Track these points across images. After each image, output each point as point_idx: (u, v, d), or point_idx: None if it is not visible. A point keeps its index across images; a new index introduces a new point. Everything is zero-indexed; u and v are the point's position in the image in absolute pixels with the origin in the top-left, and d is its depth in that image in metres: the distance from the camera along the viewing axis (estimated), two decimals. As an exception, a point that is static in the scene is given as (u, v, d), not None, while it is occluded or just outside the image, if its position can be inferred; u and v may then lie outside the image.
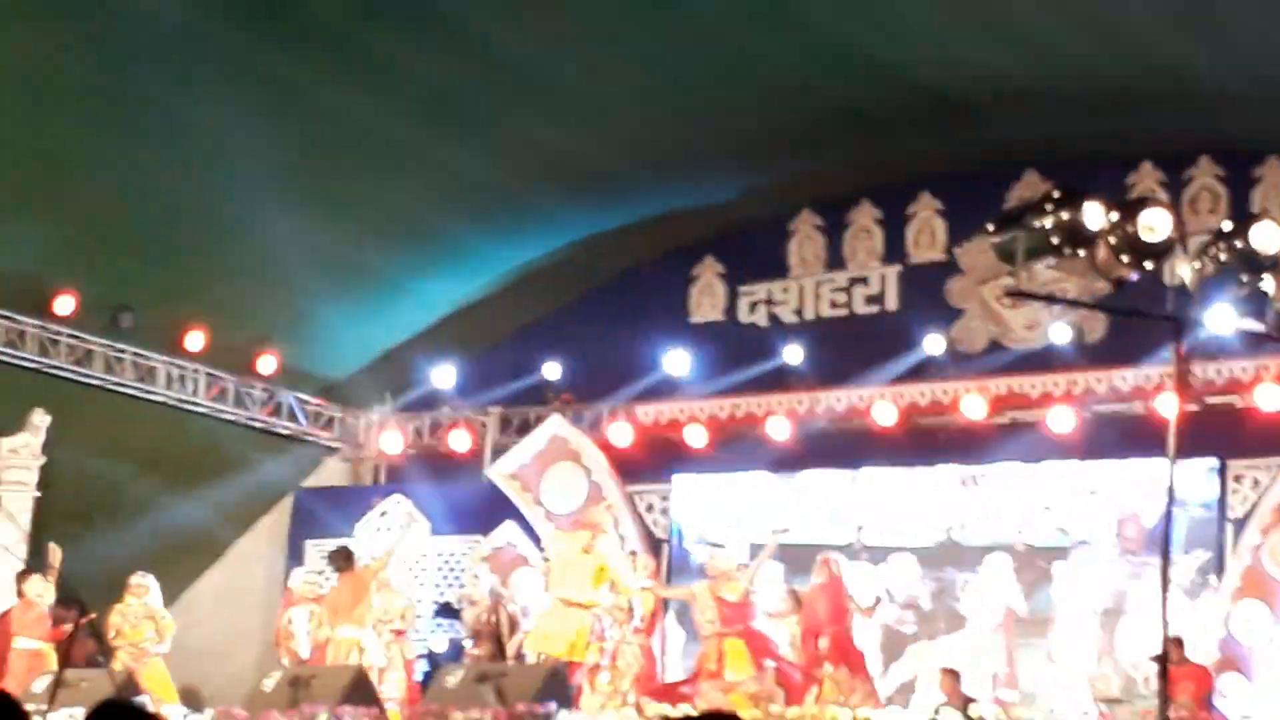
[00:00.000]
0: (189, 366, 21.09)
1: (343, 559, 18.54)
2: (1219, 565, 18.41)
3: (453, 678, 16.67)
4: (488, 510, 21.43)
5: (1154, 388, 18.52)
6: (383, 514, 22.45)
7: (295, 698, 16.49)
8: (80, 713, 14.08)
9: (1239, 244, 8.67)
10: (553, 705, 15.61)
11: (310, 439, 22.97)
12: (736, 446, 20.94)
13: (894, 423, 20.06)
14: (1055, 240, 8.41)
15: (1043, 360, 19.67)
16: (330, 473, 23.56)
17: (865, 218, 21.24)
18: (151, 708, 15.01)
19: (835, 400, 20.54)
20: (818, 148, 19.40)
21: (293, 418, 22.50)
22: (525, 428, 22.10)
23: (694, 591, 17.69)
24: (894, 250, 21.03)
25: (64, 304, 19.55)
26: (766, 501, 20.69)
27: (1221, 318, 9.52)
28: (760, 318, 21.70)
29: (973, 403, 19.69)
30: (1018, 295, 8.94)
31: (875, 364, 20.20)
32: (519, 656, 18.39)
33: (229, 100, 16.98)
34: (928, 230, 20.87)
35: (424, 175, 19.15)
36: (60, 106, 16.98)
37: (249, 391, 21.85)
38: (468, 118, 18.26)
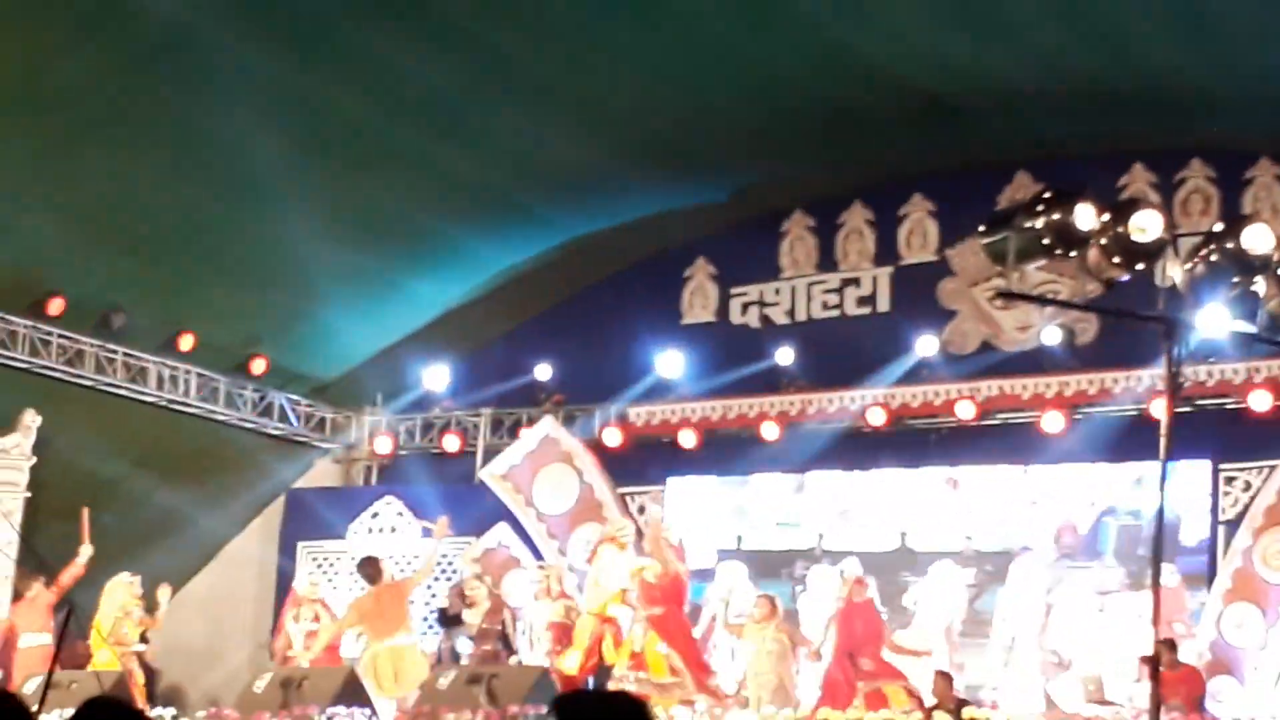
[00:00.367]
0: (180, 367, 21.06)
1: (373, 569, 18.47)
2: (1210, 568, 18.42)
3: (444, 679, 16.67)
4: (480, 512, 21.40)
5: (1145, 390, 18.52)
6: (374, 515, 22.44)
7: (287, 699, 16.51)
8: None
9: (1230, 245, 8.65)
10: (544, 707, 15.62)
11: (302, 440, 22.95)
12: (728, 448, 20.94)
13: (884, 424, 20.05)
14: (1046, 241, 8.38)
15: (1034, 362, 19.67)
16: (322, 474, 23.54)
17: (857, 219, 21.24)
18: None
19: (826, 402, 20.54)
20: (809, 149, 19.40)
21: (284, 418, 22.49)
22: (517, 429, 22.09)
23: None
24: (886, 251, 21.03)
25: (55, 304, 19.52)
26: (747, 505, 20.80)
27: (1213, 319, 9.50)
28: (752, 319, 21.71)
29: (963, 405, 19.69)
30: (1009, 297, 8.94)
31: (867, 365, 20.19)
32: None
33: (222, 100, 16.97)
34: (920, 231, 20.88)
35: (416, 176, 19.14)
36: (54, 106, 16.95)
37: (240, 392, 21.83)
38: (460, 119, 18.25)
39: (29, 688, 15.88)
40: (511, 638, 18.46)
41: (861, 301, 21.13)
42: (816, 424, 20.60)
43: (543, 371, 21.75)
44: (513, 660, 18.75)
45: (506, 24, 16.68)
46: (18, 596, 18.66)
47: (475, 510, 21.50)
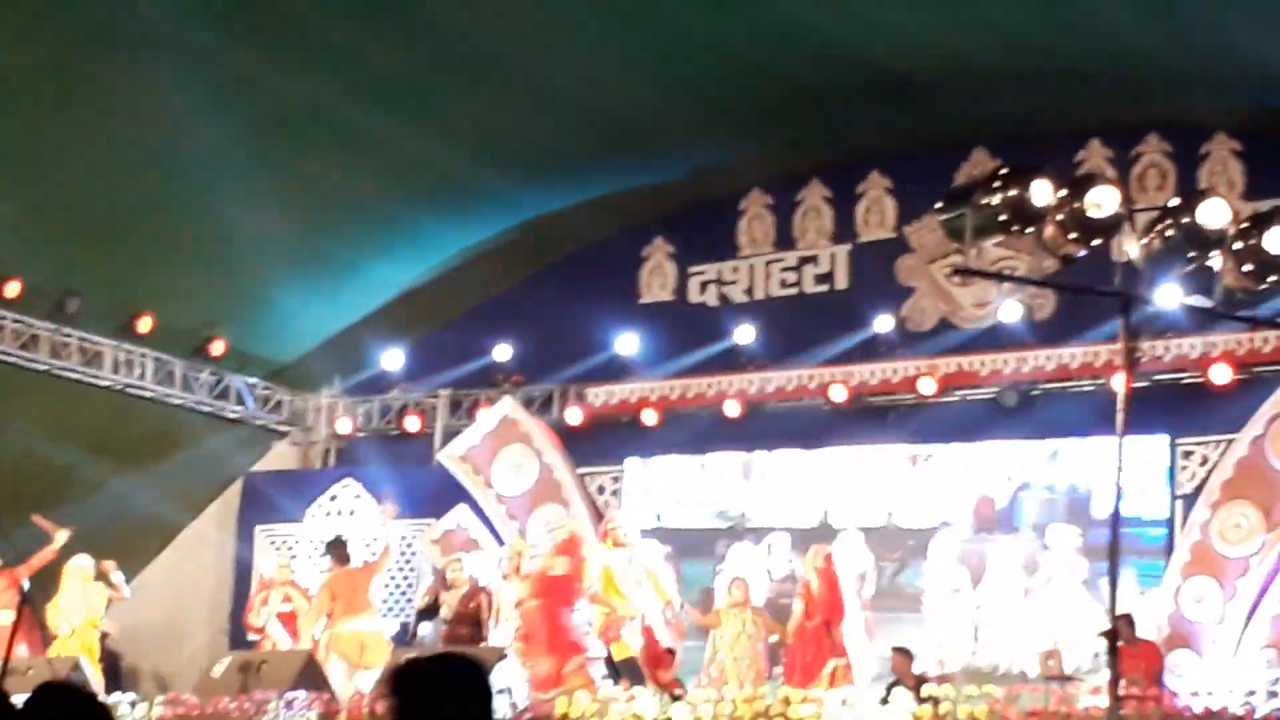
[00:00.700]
0: (136, 351, 20.96)
1: (341, 551, 18.53)
2: (1169, 542, 18.48)
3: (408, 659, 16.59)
4: (439, 493, 21.35)
5: (1103, 365, 18.55)
6: (332, 498, 22.37)
7: (245, 683, 16.45)
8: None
9: (1186, 220, 8.67)
10: (506, 687, 15.60)
11: (259, 422, 22.86)
12: (687, 427, 20.93)
13: (844, 401, 20.06)
14: (1003, 218, 8.40)
15: (992, 338, 19.70)
16: (280, 456, 23.46)
17: (815, 197, 21.22)
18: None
19: (785, 380, 20.53)
20: (767, 127, 19.37)
21: (241, 401, 22.40)
22: (475, 410, 22.03)
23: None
24: (844, 229, 21.02)
25: (11, 288, 19.41)
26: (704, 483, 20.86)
27: (1169, 294, 9.53)
28: (710, 298, 21.68)
29: (923, 382, 19.71)
30: (966, 273, 8.95)
31: (825, 343, 20.19)
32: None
33: (176, 84, 16.88)
34: (877, 209, 20.87)
35: (372, 157, 19.07)
36: (6, 92, 16.84)
37: (197, 375, 21.72)
38: (415, 99, 18.18)
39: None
40: (484, 623, 18.35)
41: (820, 279, 21.12)
42: (775, 403, 20.60)
43: (501, 352, 21.69)
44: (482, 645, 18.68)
45: (461, 4, 16.61)
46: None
47: (434, 492, 21.45)
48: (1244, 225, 8.84)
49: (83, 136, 17.67)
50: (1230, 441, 18.20)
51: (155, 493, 21.08)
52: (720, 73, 18.19)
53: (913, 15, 16.96)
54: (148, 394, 21.18)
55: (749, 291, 21.48)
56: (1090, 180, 8.80)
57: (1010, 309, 19.24)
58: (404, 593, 21.49)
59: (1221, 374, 18.22)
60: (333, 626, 17.77)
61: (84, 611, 18.28)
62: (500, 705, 15.49)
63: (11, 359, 19.78)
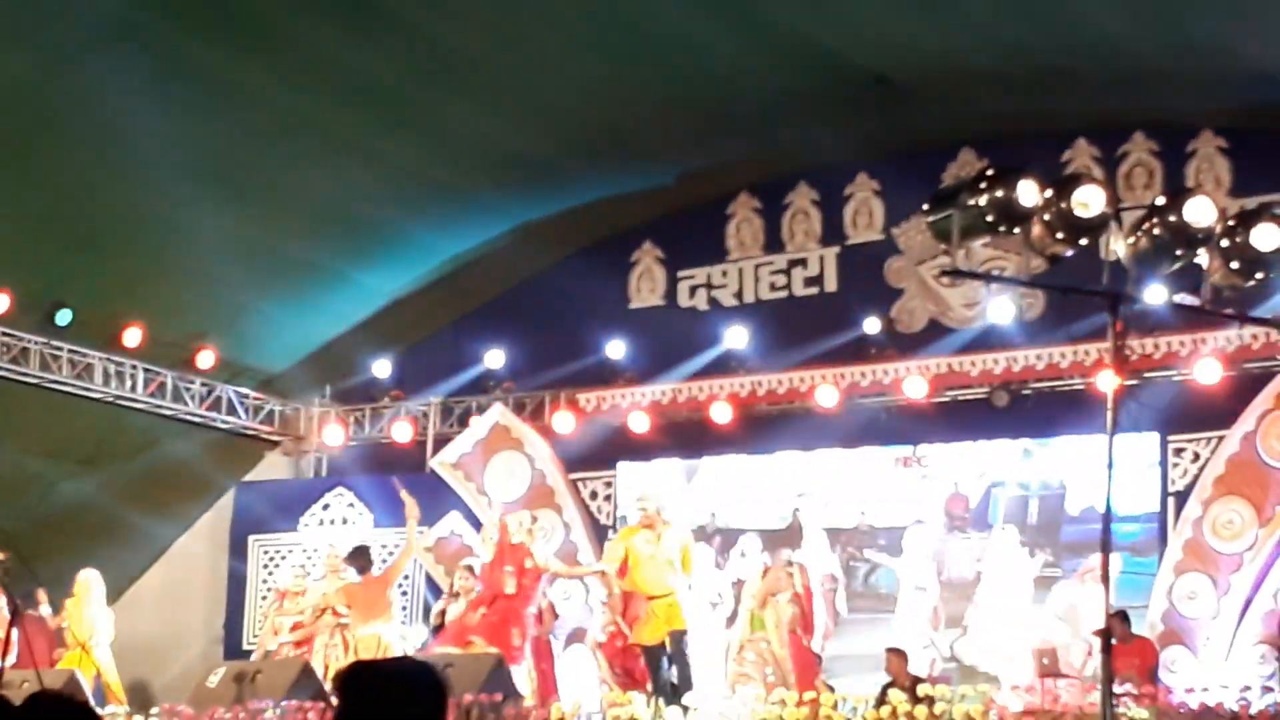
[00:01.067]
0: (126, 363, 20.93)
1: (364, 559, 18.75)
2: (1161, 538, 18.52)
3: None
4: (431, 501, 21.31)
5: (1093, 364, 18.59)
6: (325, 507, 22.37)
7: (241, 693, 16.45)
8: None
9: (1173, 218, 8.68)
10: (499, 695, 15.58)
11: (250, 433, 22.84)
12: (679, 431, 20.96)
13: (835, 404, 20.09)
14: (990, 218, 8.40)
15: (982, 339, 19.73)
16: (271, 467, 23.45)
17: (803, 200, 21.24)
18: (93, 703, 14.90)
19: (776, 383, 20.55)
20: (754, 131, 19.38)
21: (232, 411, 22.37)
22: (467, 417, 22.04)
23: None
24: (832, 231, 21.04)
25: (0, 301, 19.38)
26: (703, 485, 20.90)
27: (1157, 292, 9.54)
28: (700, 302, 21.70)
29: (913, 383, 19.74)
30: (954, 274, 8.94)
31: (816, 346, 20.21)
32: None
33: (163, 95, 16.88)
34: (865, 211, 20.89)
35: (360, 166, 19.07)
36: (-6, 103, 16.86)
37: (187, 387, 21.70)
38: (403, 108, 18.18)
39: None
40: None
41: (809, 282, 21.13)
42: (767, 405, 20.63)
43: (492, 359, 21.70)
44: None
45: (449, 12, 16.61)
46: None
47: (427, 499, 21.38)
48: (1230, 222, 8.85)
49: (70, 149, 17.65)
50: (1221, 438, 18.24)
51: (147, 504, 21.08)
52: (706, 77, 18.20)
53: (898, 18, 16.97)
54: (139, 406, 21.16)
55: (738, 295, 21.49)
56: (1076, 180, 8.81)
57: (1000, 309, 19.27)
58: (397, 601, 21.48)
59: (1211, 371, 18.24)
60: (352, 630, 17.95)
61: (93, 625, 18.42)
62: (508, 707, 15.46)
63: (1, 373, 19.76)
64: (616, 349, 21.03)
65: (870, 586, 19.99)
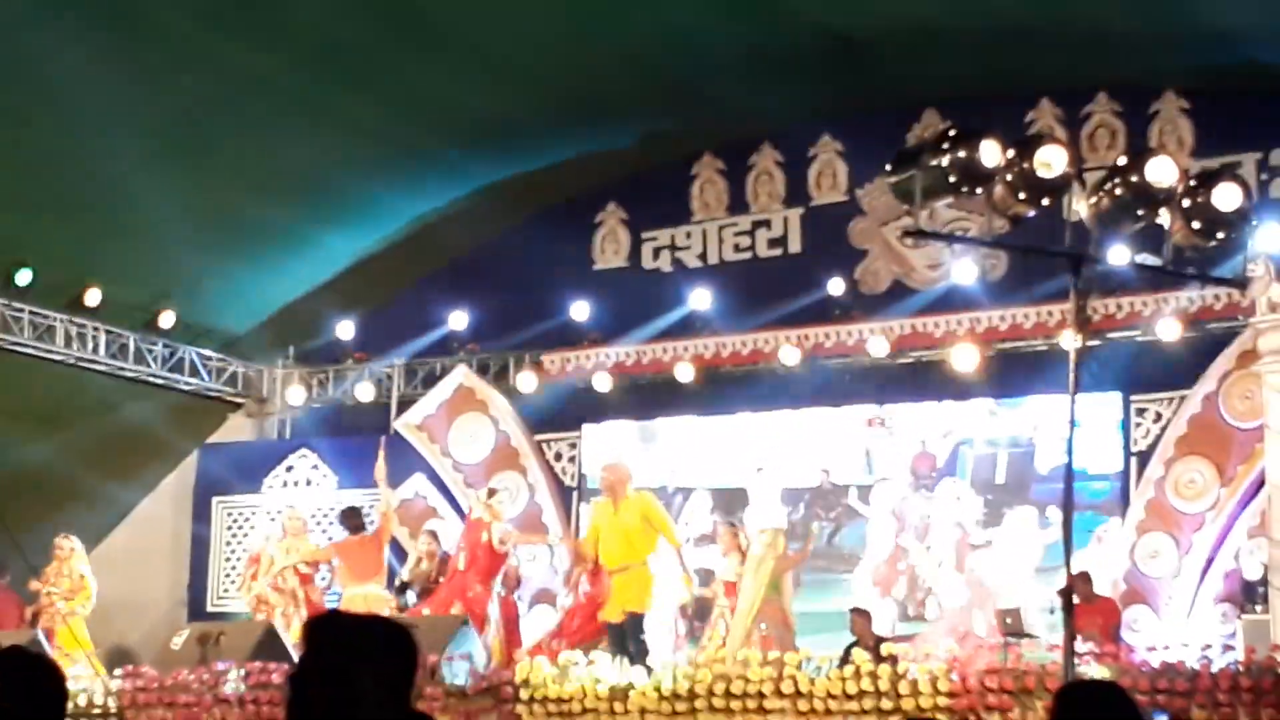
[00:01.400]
0: (88, 325, 20.84)
1: (356, 519, 19.13)
2: (1123, 498, 18.59)
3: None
4: (396, 463, 21.30)
5: (1056, 324, 18.63)
6: (289, 469, 22.34)
7: (205, 655, 16.47)
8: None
9: (1135, 179, 8.69)
10: (465, 655, 15.63)
11: (214, 395, 22.78)
12: (643, 392, 20.96)
13: (799, 364, 20.12)
14: (952, 179, 8.40)
15: (946, 299, 19.76)
16: (234, 429, 23.39)
17: (767, 161, 21.22)
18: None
19: (740, 344, 20.56)
20: (717, 92, 19.33)
21: (195, 373, 22.30)
22: (431, 379, 22.01)
23: None
24: (796, 193, 21.03)
25: (-42, 264, 19.31)
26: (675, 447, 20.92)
27: (1119, 253, 9.55)
28: (664, 263, 21.68)
29: (876, 343, 19.76)
30: (917, 235, 8.94)
31: (780, 307, 20.22)
32: None
33: (121, 55, 16.77)
34: (829, 172, 20.88)
35: (321, 127, 18.98)
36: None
37: (150, 348, 21.62)
38: (363, 68, 18.10)
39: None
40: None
41: (773, 243, 21.13)
42: (731, 366, 20.65)
43: (456, 320, 21.66)
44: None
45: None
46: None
47: (392, 462, 21.39)
48: (1192, 183, 8.87)
49: (27, 111, 17.53)
50: (1184, 398, 18.31)
51: (109, 466, 21.01)
52: (668, 38, 18.16)
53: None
54: (100, 368, 21.08)
55: (703, 256, 21.48)
56: (1038, 140, 8.82)
57: (964, 270, 19.29)
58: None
59: (1173, 331, 18.30)
60: (345, 589, 18.07)
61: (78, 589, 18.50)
62: (459, 670, 15.51)
63: (-38, 336, 19.68)
64: (580, 310, 21.01)
65: (834, 546, 20.06)
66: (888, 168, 8.77)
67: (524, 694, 15.22)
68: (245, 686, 15.84)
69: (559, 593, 19.55)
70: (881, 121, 19.36)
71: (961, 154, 8.36)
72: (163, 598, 22.15)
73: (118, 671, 17.08)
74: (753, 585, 17.24)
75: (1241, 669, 13.64)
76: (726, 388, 20.57)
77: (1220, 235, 8.92)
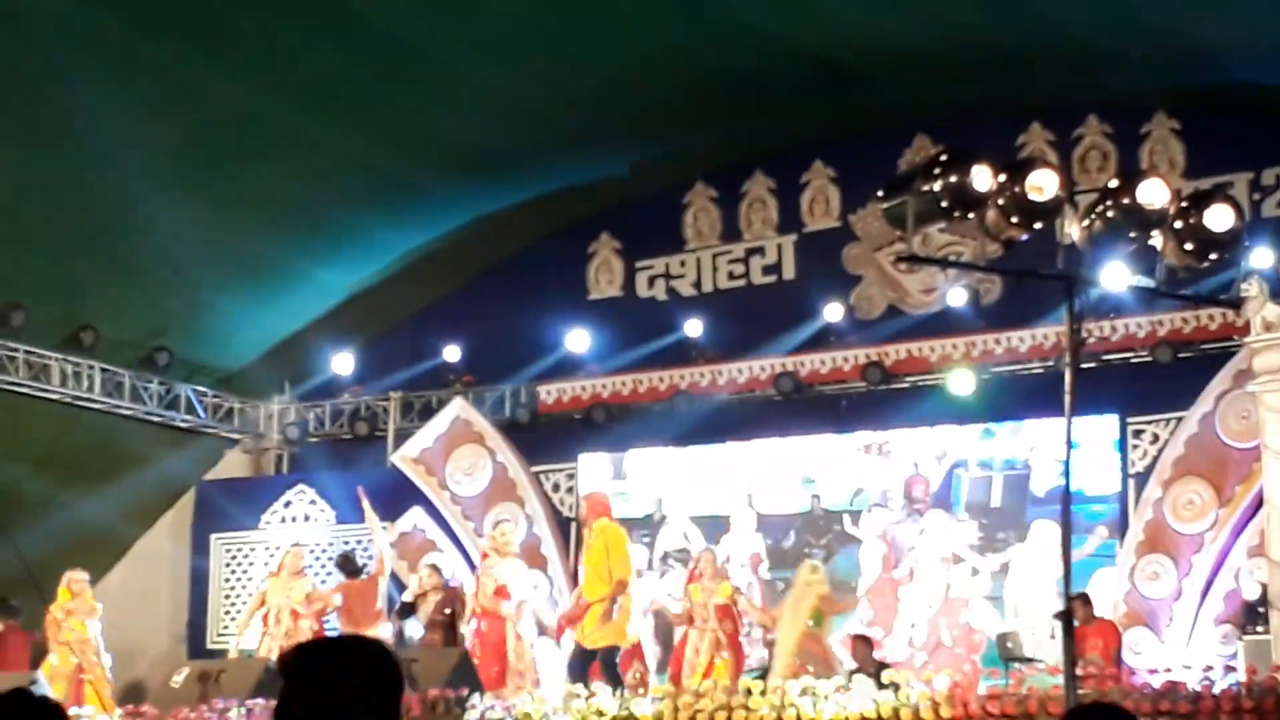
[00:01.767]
0: (84, 363, 20.82)
1: (353, 565, 19.07)
2: (1122, 520, 18.58)
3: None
4: (393, 496, 21.30)
5: (1051, 347, 18.64)
6: (286, 504, 22.31)
7: (205, 693, 16.41)
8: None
9: (1127, 201, 8.69)
10: (465, 690, 15.57)
11: (210, 431, 22.76)
12: (639, 422, 20.94)
13: (794, 391, 20.11)
14: (944, 204, 8.39)
15: (941, 324, 19.77)
16: (232, 464, 23.36)
17: (759, 188, 21.26)
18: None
19: (736, 372, 20.57)
20: (708, 119, 19.39)
21: (191, 410, 22.28)
22: (427, 412, 21.99)
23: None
24: (789, 219, 21.07)
25: (-48, 305, 19.29)
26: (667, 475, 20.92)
27: (1114, 275, 9.56)
28: (659, 292, 21.71)
29: (872, 369, 19.76)
30: (910, 260, 8.96)
31: (775, 334, 20.23)
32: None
33: (116, 92, 16.79)
34: (822, 198, 20.92)
35: (314, 162, 19.01)
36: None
37: (145, 386, 21.60)
38: (356, 103, 18.14)
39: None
40: (459, 626, 18.30)
41: (767, 270, 21.16)
42: (728, 394, 20.64)
43: (451, 353, 21.66)
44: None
45: (398, 6, 16.58)
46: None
47: (388, 495, 21.40)
48: (1184, 204, 8.87)
49: (22, 148, 17.55)
50: (1180, 419, 18.29)
51: (107, 505, 20.97)
52: (660, 67, 18.19)
53: (849, 4, 16.98)
54: (96, 406, 21.06)
55: (697, 284, 21.50)
56: (1030, 164, 8.82)
57: (957, 294, 19.31)
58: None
59: (1167, 352, 18.31)
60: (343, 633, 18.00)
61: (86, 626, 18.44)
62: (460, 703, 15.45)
63: (-43, 376, 19.65)
64: (576, 340, 21.01)
65: (829, 573, 20.01)
66: (880, 193, 8.77)
67: (525, 726, 15.16)
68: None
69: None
70: (873, 147, 19.42)
71: (953, 179, 8.35)
72: (162, 635, 22.10)
73: (118, 711, 17.02)
74: (792, 620, 17.16)
75: (1244, 690, 13.60)
76: (722, 415, 20.54)
77: (1213, 256, 8.91)
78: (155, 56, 16.56)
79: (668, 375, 20.88)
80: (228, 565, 22.35)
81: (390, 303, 22.17)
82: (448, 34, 17.09)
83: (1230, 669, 14.73)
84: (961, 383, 18.91)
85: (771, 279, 21.09)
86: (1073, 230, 8.65)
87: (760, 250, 21.22)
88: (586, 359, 21.20)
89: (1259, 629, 16.40)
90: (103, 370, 21.02)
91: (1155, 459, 18.47)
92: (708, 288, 21.41)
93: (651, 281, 21.76)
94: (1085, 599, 16.57)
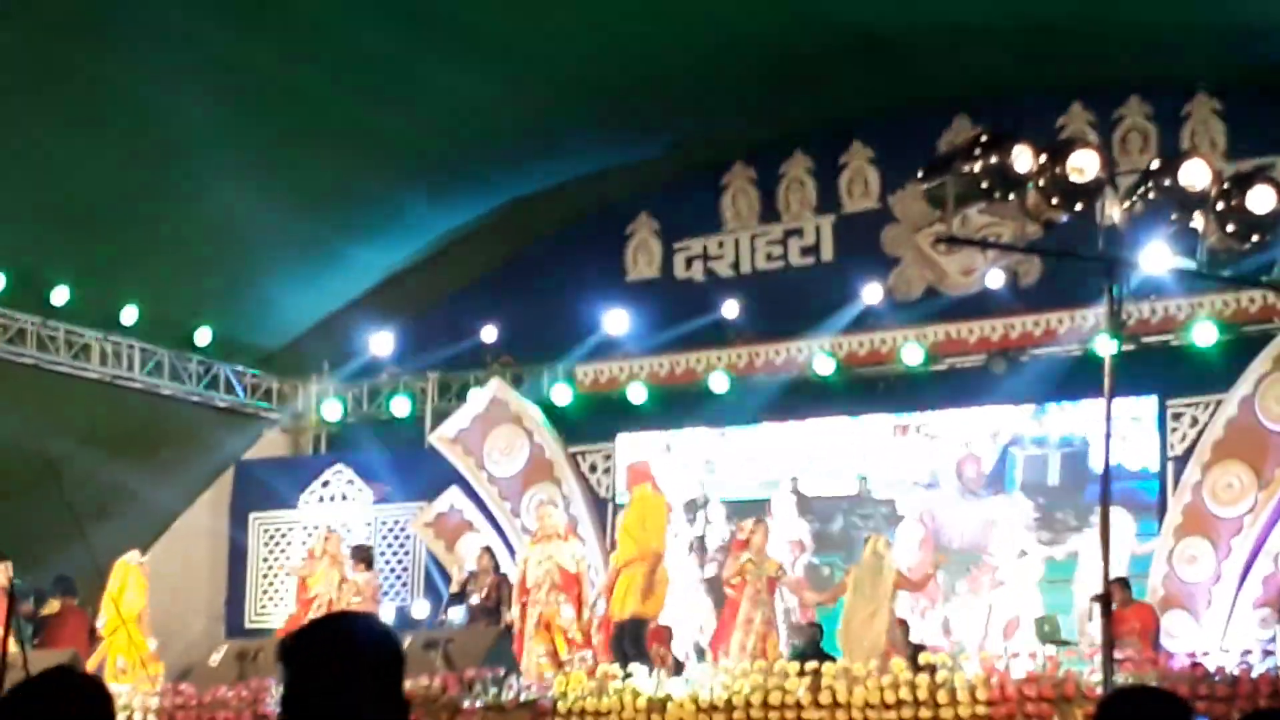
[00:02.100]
0: (124, 342, 20.91)
1: (368, 556, 19.24)
2: (1160, 503, 18.51)
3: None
4: (431, 476, 21.35)
5: (1089, 328, 18.56)
6: (325, 484, 22.37)
7: (243, 671, 16.48)
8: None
9: (1168, 182, 8.66)
10: (501, 669, 15.60)
11: (249, 411, 22.82)
12: (677, 402, 20.93)
13: (833, 373, 20.07)
14: (985, 185, 8.39)
15: (979, 305, 19.70)
16: (271, 444, 23.43)
17: (798, 169, 21.20)
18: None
19: (774, 354, 20.53)
20: (747, 98, 19.34)
21: (230, 390, 22.35)
22: (465, 392, 22.01)
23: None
24: (828, 200, 21.01)
25: (-5, 283, 19.37)
26: (706, 457, 20.91)
27: (1154, 257, 9.52)
28: (696, 273, 21.66)
29: (911, 350, 19.71)
30: (950, 241, 8.96)
31: (813, 315, 20.17)
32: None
33: (157, 70, 16.85)
34: (861, 179, 20.85)
35: (355, 142, 19.03)
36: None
37: (185, 365, 21.68)
38: (397, 82, 18.14)
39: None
40: (504, 611, 18.30)
41: (805, 251, 21.11)
42: (765, 375, 20.60)
43: (488, 333, 21.66)
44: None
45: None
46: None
47: (426, 475, 21.47)
48: (1225, 186, 8.83)
49: (64, 126, 17.61)
50: (1219, 402, 18.22)
51: (147, 483, 21.04)
52: (698, 45, 18.16)
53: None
54: (136, 385, 21.14)
55: (735, 266, 21.46)
56: (1070, 145, 8.79)
57: (996, 276, 19.24)
58: (399, 577, 21.51)
59: (1207, 334, 18.23)
60: None
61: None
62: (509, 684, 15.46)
63: (-1, 354, 19.75)
64: (613, 321, 20.99)
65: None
66: (920, 174, 8.75)
67: (561, 707, 15.19)
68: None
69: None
70: (912, 127, 19.34)
71: (994, 160, 8.34)
72: (200, 614, 22.19)
73: (157, 688, 17.09)
74: (874, 595, 16.99)
75: (1282, 673, 13.56)
76: (760, 397, 20.52)
77: (1255, 238, 8.87)
78: (199, 34, 16.59)
79: (706, 356, 20.84)
80: (266, 545, 22.43)
81: (429, 283, 22.18)
82: (490, 14, 17.09)
83: (1269, 653, 14.67)
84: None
85: (810, 260, 21.04)
86: (1113, 212, 8.62)
87: (799, 231, 21.16)
88: (624, 340, 21.17)
89: (1298, 613, 16.36)
90: (142, 349, 21.09)
91: (1195, 442, 18.40)
92: (746, 269, 21.36)
93: (689, 263, 21.72)
94: (1124, 583, 16.52)
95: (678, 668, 16.38)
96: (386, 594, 20.71)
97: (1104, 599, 8.52)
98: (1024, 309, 19.34)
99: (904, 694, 14.24)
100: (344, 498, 22.22)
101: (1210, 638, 16.84)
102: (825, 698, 14.45)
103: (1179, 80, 18.88)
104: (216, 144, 18.13)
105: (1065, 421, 19.35)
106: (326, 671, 4.11)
